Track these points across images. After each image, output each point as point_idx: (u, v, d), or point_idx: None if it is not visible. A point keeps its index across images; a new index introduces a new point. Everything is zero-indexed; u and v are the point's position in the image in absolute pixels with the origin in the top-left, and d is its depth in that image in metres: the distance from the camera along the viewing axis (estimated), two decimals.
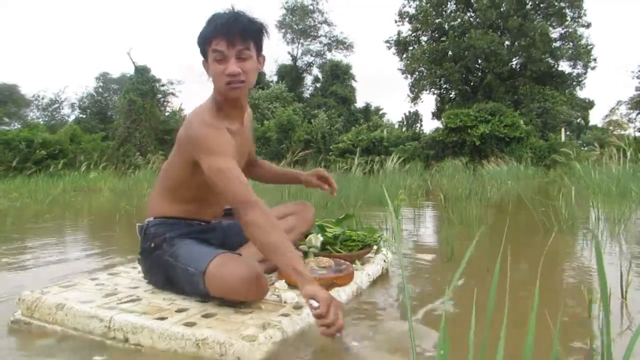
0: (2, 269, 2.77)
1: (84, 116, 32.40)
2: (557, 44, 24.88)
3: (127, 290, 1.77)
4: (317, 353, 1.41)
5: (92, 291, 1.73)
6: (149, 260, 1.76)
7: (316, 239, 2.30)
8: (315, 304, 1.32)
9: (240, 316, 1.49)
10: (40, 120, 32.24)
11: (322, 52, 31.51)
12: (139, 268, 1.92)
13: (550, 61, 24.89)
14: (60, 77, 70.35)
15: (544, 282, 2.25)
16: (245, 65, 1.60)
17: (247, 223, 1.49)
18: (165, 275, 1.69)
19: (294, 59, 30.90)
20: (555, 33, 25.14)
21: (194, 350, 1.32)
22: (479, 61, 24.89)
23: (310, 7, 30.33)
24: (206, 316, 1.49)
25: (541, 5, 24.90)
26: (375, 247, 2.53)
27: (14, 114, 33.42)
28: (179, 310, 1.53)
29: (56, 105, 34.80)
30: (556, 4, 24.26)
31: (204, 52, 1.64)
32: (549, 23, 24.67)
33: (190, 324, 1.41)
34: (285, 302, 1.63)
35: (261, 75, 28.77)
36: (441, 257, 2.92)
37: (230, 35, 1.55)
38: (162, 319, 1.45)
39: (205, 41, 1.60)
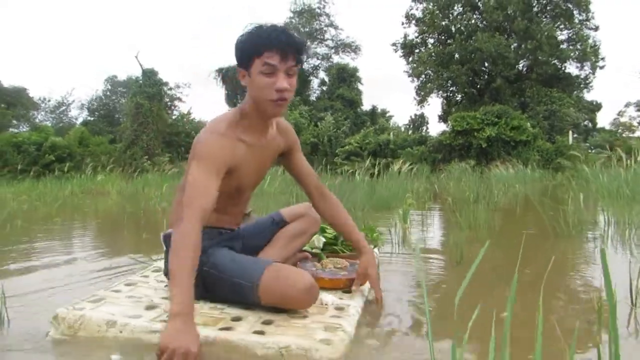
0: (14, 274, 2.79)
1: (92, 119, 32.59)
2: (564, 46, 24.75)
3: (162, 301, 1.70)
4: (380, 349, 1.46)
5: (128, 304, 1.65)
6: None
7: (318, 240, 2.35)
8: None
9: (299, 320, 1.53)
10: (48, 122, 32.48)
11: (329, 55, 31.55)
12: (153, 276, 1.91)
13: (557, 63, 24.76)
14: (66, 79, 70.78)
15: (552, 288, 2.25)
16: (292, 82, 1.58)
17: (175, 231, 1.45)
18: (204, 285, 1.64)
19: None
20: (562, 35, 25.03)
21: (279, 359, 1.32)
22: (486, 64, 24.81)
23: (317, 10, 30.40)
24: (266, 323, 1.51)
25: (548, 8, 24.80)
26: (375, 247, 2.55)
27: (23, 116, 33.68)
28: (236, 319, 1.54)
29: (63, 108, 35.03)
30: (563, 6, 24.15)
31: (247, 62, 1.58)
32: (555, 25, 24.56)
33: (259, 332, 1.42)
34: (326, 305, 1.68)
35: None
36: (450, 261, 2.92)
37: (285, 50, 1.53)
38: (228, 329, 1.45)
39: (255, 51, 1.55)
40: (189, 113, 23.00)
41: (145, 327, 1.44)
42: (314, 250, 2.29)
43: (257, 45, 1.54)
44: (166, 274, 1.77)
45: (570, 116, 21.94)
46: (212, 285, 1.66)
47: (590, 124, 31.93)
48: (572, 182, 12.38)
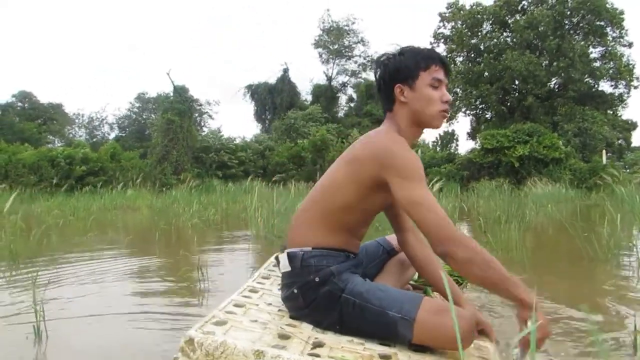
0: (55, 290, 2.84)
1: (123, 135, 33.42)
2: (597, 63, 24.31)
3: (290, 328, 1.51)
4: None
5: (258, 330, 1.44)
6: (317, 297, 1.54)
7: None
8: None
9: (455, 353, 1.41)
10: (82, 137, 33.46)
11: (357, 72, 31.70)
12: (255, 297, 1.79)
13: (590, 81, 24.32)
14: (99, 95, 72.73)
15: (588, 314, 2.17)
16: (451, 98, 1.63)
17: (458, 261, 1.39)
18: (341, 313, 1.50)
19: (329, 78, 31.19)
20: (595, 53, 24.61)
21: None
22: (516, 82, 24.53)
23: (345, 27, 30.65)
24: None
25: (580, 25, 24.46)
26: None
27: (58, 131, 34.79)
28: (384, 357, 1.37)
29: (97, 123, 36.02)
30: (596, 23, 23.78)
31: (412, 76, 1.58)
32: (588, 43, 24.18)
33: None
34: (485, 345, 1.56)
35: (296, 95, 29.15)
36: None
37: (446, 67, 1.61)
38: None
39: (423, 65, 1.57)
40: (219, 130, 23.48)
41: None
42: (416, 283, 2.15)
43: (425, 60, 1.58)
44: (287, 298, 1.63)
45: (603, 135, 21.46)
46: (350, 315, 1.49)
47: (624, 143, 31.14)
48: (607, 202, 12.06)
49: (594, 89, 24.50)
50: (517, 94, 25.38)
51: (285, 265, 1.61)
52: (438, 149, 29.69)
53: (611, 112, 25.37)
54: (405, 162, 1.47)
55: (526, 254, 3.86)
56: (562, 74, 23.75)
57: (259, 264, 4.23)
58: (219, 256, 4.48)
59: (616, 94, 25.15)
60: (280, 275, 1.67)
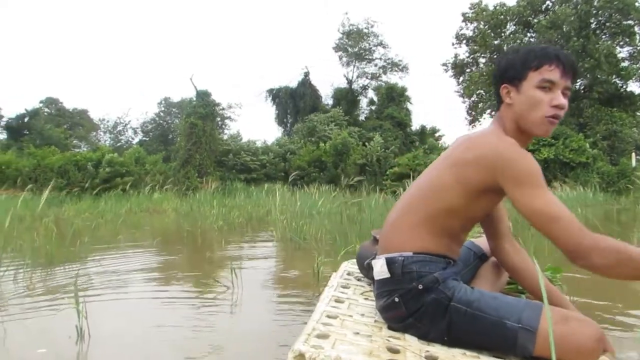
0: (94, 294, 2.89)
1: (147, 139, 33.93)
2: (625, 64, 23.80)
3: (395, 340, 1.41)
4: None
5: (364, 344, 1.34)
6: (422, 306, 1.43)
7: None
8: None
9: None
10: (107, 142, 34.09)
11: (378, 75, 31.58)
12: (344, 307, 1.68)
13: (618, 82, 23.82)
14: (124, 100, 73.92)
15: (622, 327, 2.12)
16: (566, 103, 1.44)
17: (599, 269, 1.29)
18: (449, 323, 1.40)
19: (350, 82, 31.16)
20: (623, 53, 24.11)
21: None
22: None
23: (365, 30, 30.59)
24: None
25: (607, 25, 24.00)
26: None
27: (84, 137, 35.52)
28: None
29: (120, 128, 36.64)
30: (624, 22, 23.29)
31: (518, 76, 1.47)
32: (615, 43, 23.71)
33: None
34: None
35: (318, 99, 29.19)
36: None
37: (567, 68, 1.42)
38: None
39: (533, 65, 1.44)
40: (238, 134, 23.70)
41: None
42: (506, 289, 2.03)
43: (537, 59, 1.44)
44: (385, 307, 1.52)
45: (632, 137, 20.99)
46: (459, 325, 1.39)
47: None
48: (638, 206, 11.82)
49: (621, 90, 23.98)
50: None
51: (382, 272, 1.50)
52: None
53: (639, 114, 24.80)
54: (522, 167, 1.35)
55: (558, 259, 3.79)
56: (588, 75, 23.32)
57: (288, 265, 4.26)
58: (247, 257, 4.50)
59: None
60: (372, 282, 1.56)
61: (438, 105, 64.94)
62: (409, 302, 1.44)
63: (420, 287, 1.42)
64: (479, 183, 1.41)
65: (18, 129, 29.43)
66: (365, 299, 1.84)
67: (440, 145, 26.50)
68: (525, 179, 1.34)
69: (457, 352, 1.36)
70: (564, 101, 1.42)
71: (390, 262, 1.48)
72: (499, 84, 1.52)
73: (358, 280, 2.16)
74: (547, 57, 1.42)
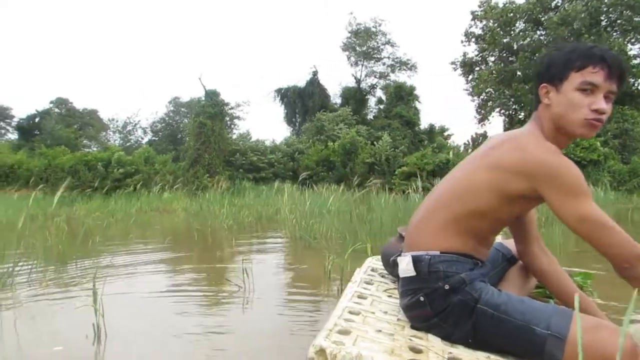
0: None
1: (156, 139, 34.08)
2: (637, 61, 23.56)
3: (418, 340, 1.39)
4: None
5: (386, 342, 1.32)
6: (447, 306, 1.41)
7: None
8: None
9: None
10: (116, 142, 34.30)
11: (386, 74, 31.51)
12: (366, 304, 1.67)
13: (630, 80, 23.58)
14: (133, 100, 74.28)
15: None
16: (609, 108, 1.38)
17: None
18: (474, 325, 1.37)
19: (358, 81, 31.12)
20: (634, 50, 23.86)
21: None
22: None
23: (373, 29, 30.52)
24: None
25: (618, 21, 23.77)
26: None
27: (93, 137, 35.77)
28: None
29: (130, 128, 36.82)
30: (635, 19, 23.06)
31: (559, 76, 1.41)
32: (626, 40, 23.47)
33: None
34: None
35: (326, 98, 29.19)
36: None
37: (612, 70, 1.35)
38: None
39: (576, 65, 1.38)
40: (247, 133, 23.73)
41: None
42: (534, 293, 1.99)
43: (580, 59, 1.37)
44: (410, 306, 1.49)
45: None
46: (485, 328, 1.36)
47: None
48: None
49: (633, 88, 23.74)
50: None
51: (408, 270, 1.47)
52: (470, 150, 29.23)
53: None
54: (566, 175, 1.32)
55: (572, 257, 3.77)
56: None
57: (299, 263, 4.26)
58: (257, 256, 4.51)
59: None
60: (396, 280, 1.52)
61: (447, 104, 64.75)
62: (434, 301, 1.42)
63: (447, 287, 1.40)
64: (517, 189, 1.37)
65: (29, 129, 29.75)
66: (389, 296, 1.82)
67: (449, 144, 26.41)
68: (569, 188, 1.31)
69: (481, 355, 1.34)
70: (604, 106, 1.35)
71: (416, 260, 1.46)
72: (539, 83, 1.47)
73: (382, 276, 2.14)
74: (591, 58, 1.36)
